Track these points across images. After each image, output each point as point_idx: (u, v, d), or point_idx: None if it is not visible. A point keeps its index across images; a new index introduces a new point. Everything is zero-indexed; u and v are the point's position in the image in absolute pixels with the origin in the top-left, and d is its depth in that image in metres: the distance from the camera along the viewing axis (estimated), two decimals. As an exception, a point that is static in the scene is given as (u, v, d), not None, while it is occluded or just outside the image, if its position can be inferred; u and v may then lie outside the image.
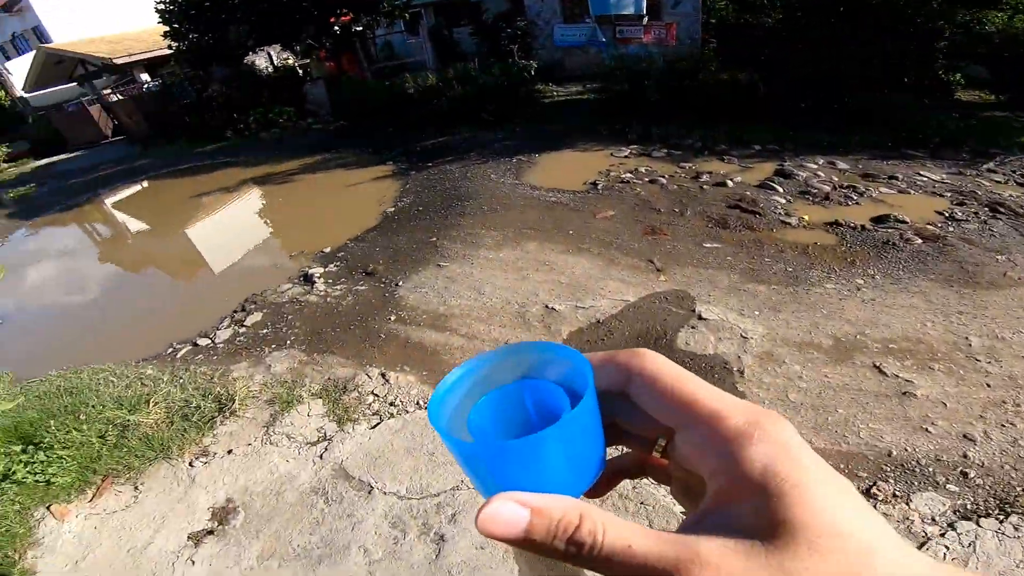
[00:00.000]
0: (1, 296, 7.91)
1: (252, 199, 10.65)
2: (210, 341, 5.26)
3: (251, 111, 15.79)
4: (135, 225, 10.90)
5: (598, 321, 4.78)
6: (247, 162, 13.03)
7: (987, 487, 2.93)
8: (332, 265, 6.57)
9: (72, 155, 19.32)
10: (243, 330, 5.37)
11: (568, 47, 16.07)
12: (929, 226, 5.99)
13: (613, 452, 0.43)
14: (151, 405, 3.99)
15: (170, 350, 5.21)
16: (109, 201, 12.44)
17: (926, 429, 3.33)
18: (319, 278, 6.19)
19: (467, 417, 0.41)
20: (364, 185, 9.92)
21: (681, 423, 0.38)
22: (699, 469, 0.37)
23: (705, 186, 7.72)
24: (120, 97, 19.52)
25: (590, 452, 0.38)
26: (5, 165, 19.46)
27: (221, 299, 6.20)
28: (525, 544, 0.33)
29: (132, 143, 18.69)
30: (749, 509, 0.32)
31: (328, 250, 7.10)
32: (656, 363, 0.40)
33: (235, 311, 5.79)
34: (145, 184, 13.30)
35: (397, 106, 13.81)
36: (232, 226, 9.54)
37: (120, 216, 11.62)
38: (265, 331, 5.29)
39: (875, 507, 2.84)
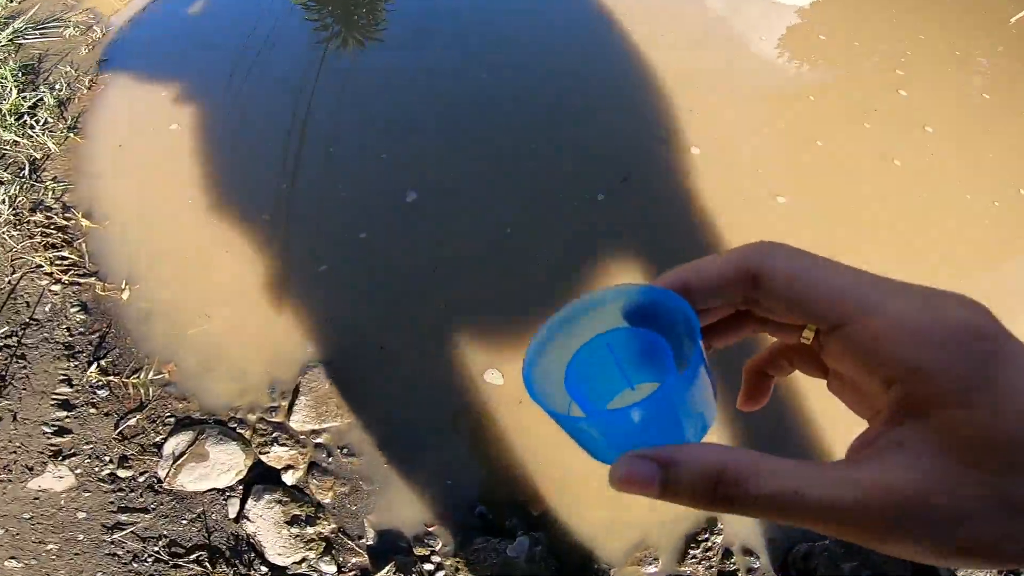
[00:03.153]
0: None
1: None
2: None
3: None
4: None
5: None
6: None
7: None
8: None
9: None
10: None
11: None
12: None
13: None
14: None
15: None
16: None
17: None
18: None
19: (560, 381, 0.36)
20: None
21: (836, 320, 0.29)
22: (866, 371, 0.28)
23: None
24: None
25: (708, 392, 0.34)
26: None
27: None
28: (670, 500, 0.28)
29: None
30: (955, 419, 0.24)
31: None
32: (788, 261, 0.30)
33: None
34: None
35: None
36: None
37: None
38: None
39: None
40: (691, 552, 1.19)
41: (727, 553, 1.21)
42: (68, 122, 1.84)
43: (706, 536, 1.20)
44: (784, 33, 2.03)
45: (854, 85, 1.89)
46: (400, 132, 1.72)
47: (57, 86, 1.93)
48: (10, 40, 2.06)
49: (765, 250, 0.31)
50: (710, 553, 1.19)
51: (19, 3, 2.23)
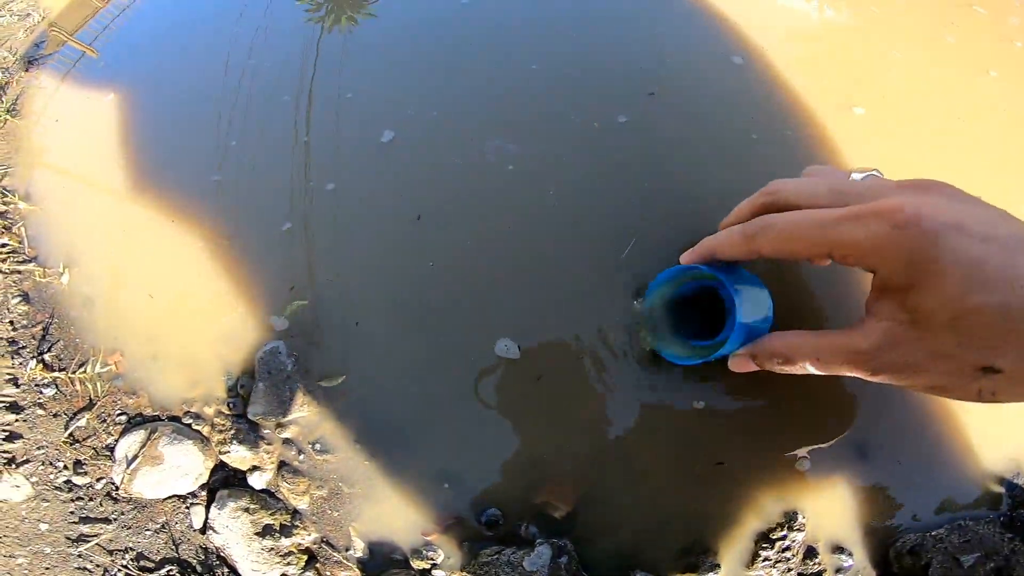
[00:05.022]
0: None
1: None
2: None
3: None
4: None
5: None
6: None
7: None
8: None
9: None
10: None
11: None
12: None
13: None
14: None
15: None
16: None
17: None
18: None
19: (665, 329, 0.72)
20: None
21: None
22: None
23: None
24: None
25: (762, 305, 0.62)
26: None
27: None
28: (765, 368, 0.57)
29: None
30: (896, 299, 0.43)
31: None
32: (783, 239, 0.49)
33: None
34: None
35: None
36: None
37: None
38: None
39: None
40: (762, 553, 0.91)
41: (810, 552, 0.92)
42: (4, 104, 1.63)
43: (783, 533, 0.91)
44: None
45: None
46: (373, 62, 1.39)
47: (-6, 72, 1.72)
48: None
49: (757, 230, 0.52)
50: (788, 553, 0.91)
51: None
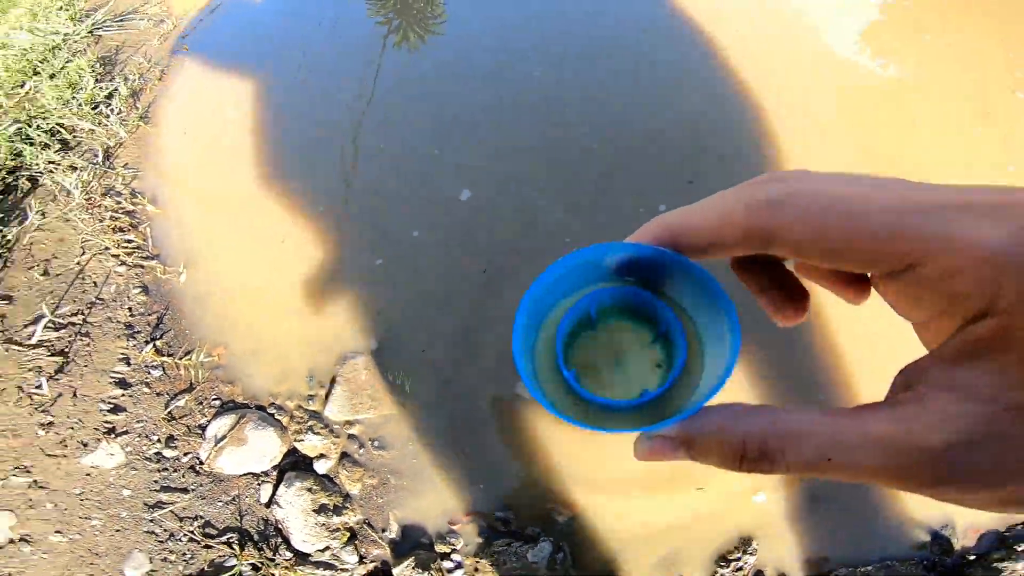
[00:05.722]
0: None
1: None
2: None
3: None
4: None
5: None
6: None
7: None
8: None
9: None
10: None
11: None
12: None
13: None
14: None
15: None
16: None
17: None
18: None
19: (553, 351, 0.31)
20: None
21: (894, 265, 0.24)
22: (941, 311, 0.24)
23: None
24: None
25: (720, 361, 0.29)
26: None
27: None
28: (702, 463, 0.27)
29: None
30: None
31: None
32: (807, 211, 0.24)
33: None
34: None
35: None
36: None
37: None
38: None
39: None
40: (719, 571, 1.15)
41: (758, 574, 1.16)
42: (139, 111, 1.94)
43: (738, 556, 1.15)
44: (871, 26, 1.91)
45: (958, 85, 1.75)
46: (456, 130, 1.78)
47: (131, 77, 2.04)
48: (89, 32, 2.19)
49: (774, 202, 0.25)
50: (739, 574, 1.15)
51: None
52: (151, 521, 1.31)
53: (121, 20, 2.28)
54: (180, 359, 1.43)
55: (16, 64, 2.07)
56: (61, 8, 2.27)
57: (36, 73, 2.05)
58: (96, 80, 2.02)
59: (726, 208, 0.26)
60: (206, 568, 1.24)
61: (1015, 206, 0.22)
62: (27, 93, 2.00)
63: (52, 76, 2.03)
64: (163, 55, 2.15)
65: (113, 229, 1.66)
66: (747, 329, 0.28)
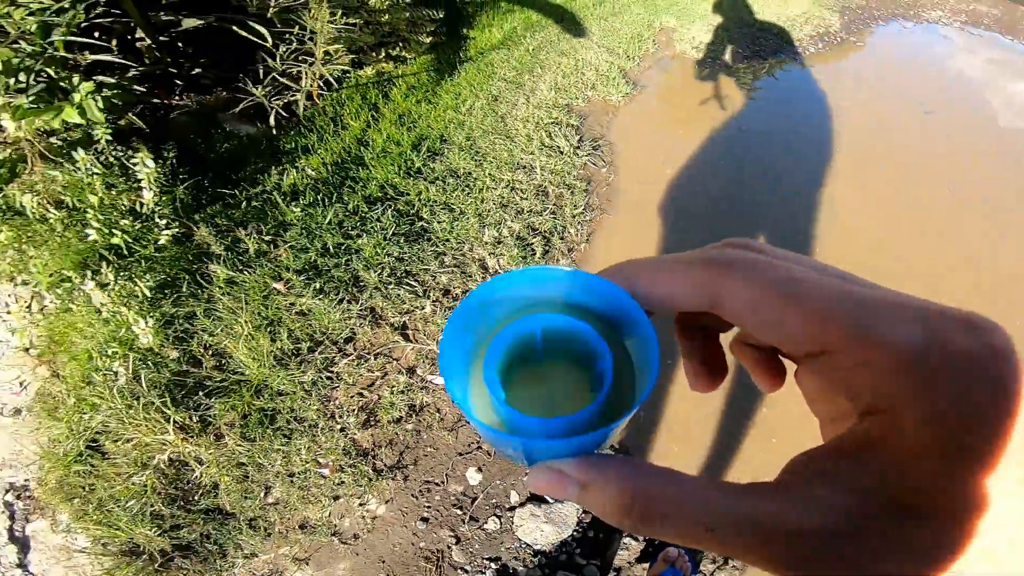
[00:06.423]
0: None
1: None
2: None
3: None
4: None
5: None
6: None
7: None
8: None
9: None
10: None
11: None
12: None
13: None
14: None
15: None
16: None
17: None
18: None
19: (481, 367, 0.29)
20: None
21: (815, 348, 0.24)
22: (845, 398, 0.24)
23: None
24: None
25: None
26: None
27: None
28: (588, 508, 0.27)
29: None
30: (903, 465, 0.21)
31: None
32: (748, 282, 0.25)
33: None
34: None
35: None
36: None
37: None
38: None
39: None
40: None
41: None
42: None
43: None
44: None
45: None
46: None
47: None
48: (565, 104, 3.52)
49: (723, 267, 0.26)
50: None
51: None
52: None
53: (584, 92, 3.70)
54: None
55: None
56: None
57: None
58: (565, 139, 3.32)
59: (684, 263, 0.27)
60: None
61: (940, 316, 0.22)
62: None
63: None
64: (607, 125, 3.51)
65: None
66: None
